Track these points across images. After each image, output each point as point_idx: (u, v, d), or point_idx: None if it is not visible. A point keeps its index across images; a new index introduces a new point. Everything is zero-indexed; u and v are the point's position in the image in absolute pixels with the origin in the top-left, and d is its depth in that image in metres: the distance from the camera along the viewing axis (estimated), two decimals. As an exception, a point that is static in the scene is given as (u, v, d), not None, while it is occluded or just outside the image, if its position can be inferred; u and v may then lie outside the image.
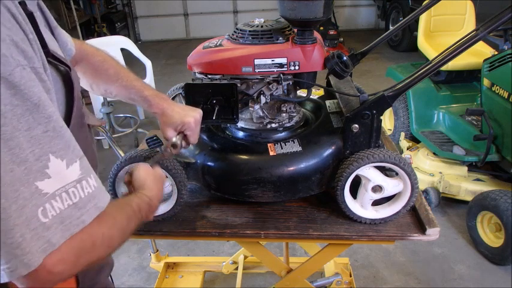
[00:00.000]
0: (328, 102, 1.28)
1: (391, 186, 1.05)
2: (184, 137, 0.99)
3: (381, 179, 1.04)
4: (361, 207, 1.08)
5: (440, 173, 2.70)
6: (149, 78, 3.74)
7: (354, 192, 1.09)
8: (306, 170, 1.09)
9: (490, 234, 2.33)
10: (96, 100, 3.65)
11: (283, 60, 1.07)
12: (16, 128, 0.50)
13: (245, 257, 2.03)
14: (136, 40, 8.05)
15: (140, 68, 3.73)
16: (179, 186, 1.07)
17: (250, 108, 1.20)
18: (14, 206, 0.49)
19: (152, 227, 1.12)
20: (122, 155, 1.36)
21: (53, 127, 0.54)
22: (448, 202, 2.75)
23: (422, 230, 1.05)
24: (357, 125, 1.05)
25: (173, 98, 1.32)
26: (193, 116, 0.97)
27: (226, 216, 1.15)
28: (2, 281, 0.51)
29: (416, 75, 1.02)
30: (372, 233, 1.07)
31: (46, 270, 0.53)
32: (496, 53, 2.61)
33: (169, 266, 2.12)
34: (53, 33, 0.74)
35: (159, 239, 2.28)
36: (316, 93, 1.44)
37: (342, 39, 5.64)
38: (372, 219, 1.08)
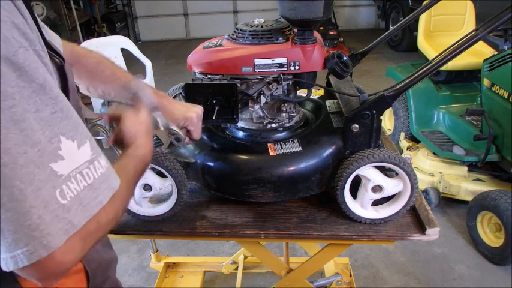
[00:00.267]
0: (328, 102, 1.28)
1: (391, 186, 1.05)
2: (187, 133, 0.99)
3: (381, 179, 1.04)
4: (361, 207, 1.08)
5: (440, 173, 2.70)
6: (149, 78, 3.74)
7: (354, 192, 1.09)
8: (306, 170, 1.09)
9: (490, 234, 2.33)
10: (96, 100, 3.64)
11: (283, 60, 1.07)
12: (26, 109, 0.49)
13: (245, 257, 2.03)
14: (136, 40, 8.06)
15: (140, 68, 3.72)
16: (179, 186, 1.07)
17: (250, 108, 1.20)
18: (29, 188, 0.48)
19: (152, 227, 1.12)
20: (122, 155, 1.36)
21: (61, 108, 0.53)
22: (448, 202, 2.75)
23: (422, 230, 1.05)
24: (356, 125, 1.05)
25: (173, 98, 1.32)
26: (195, 111, 0.98)
27: (226, 216, 1.15)
28: (21, 265, 0.50)
29: (416, 75, 1.02)
30: (372, 233, 1.07)
31: (55, 261, 0.52)
32: (496, 53, 2.61)
33: (169, 266, 2.12)
34: None
35: (159, 239, 2.28)
36: (316, 93, 1.44)
37: (342, 39, 5.64)
38: (371, 219, 1.08)
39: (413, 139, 3.11)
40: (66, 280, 0.73)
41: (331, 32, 5.38)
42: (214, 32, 3.36)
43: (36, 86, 0.50)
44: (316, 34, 1.11)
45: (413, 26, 4.61)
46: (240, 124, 1.22)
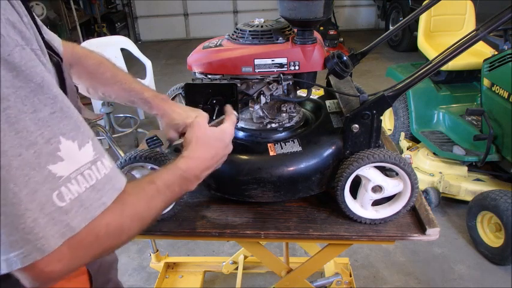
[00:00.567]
0: (328, 102, 1.28)
1: (391, 186, 1.05)
2: None
3: (381, 179, 1.04)
4: (361, 207, 1.08)
5: (440, 173, 2.70)
6: (149, 78, 3.74)
7: (354, 192, 1.09)
8: (306, 170, 1.09)
9: (490, 234, 2.33)
10: (96, 100, 3.65)
11: (283, 60, 1.07)
12: (21, 110, 0.47)
13: (245, 257, 2.03)
14: (136, 40, 8.06)
15: (140, 68, 3.73)
16: (179, 186, 1.07)
17: (250, 108, 1.20)
18: (24, 191, 0.48)
19: (152, 227, 1.12)
20: (122, 155, 1.36)
21: (60, 108, 0.52)
22: (448, 202, 2.75)
23: (422, 230, 1.05)
24: (357, 125, 1.05)
25: (173, 98, 1.32)
26: (197, 122, 0.95)
27: (226, 216, 1.15)
28: (15, 268, 0.49)
29: (416, 75, 1.02)
30: (372, 233, 1.07)
31: (39, 270, 0.51)
32: (496, 53, 2.61)
33: (169, 266, 2.13)
34: None
35: (159, 239, 2.28)
36: (316, 93, 1.44)
37: (342, 39, 5.64)
38: (372, 219, 1.08)
39: (413, 139, 3.11)
40: (69, 283, 0.72)
41: (331, 32, 5.39)
42: (214, 32, 3.36)
43: (34, 86, 0.49)
44: (316, 34, 1.11)
45: (413, 26, 4.61)
46: (240, 124, 1.22)
